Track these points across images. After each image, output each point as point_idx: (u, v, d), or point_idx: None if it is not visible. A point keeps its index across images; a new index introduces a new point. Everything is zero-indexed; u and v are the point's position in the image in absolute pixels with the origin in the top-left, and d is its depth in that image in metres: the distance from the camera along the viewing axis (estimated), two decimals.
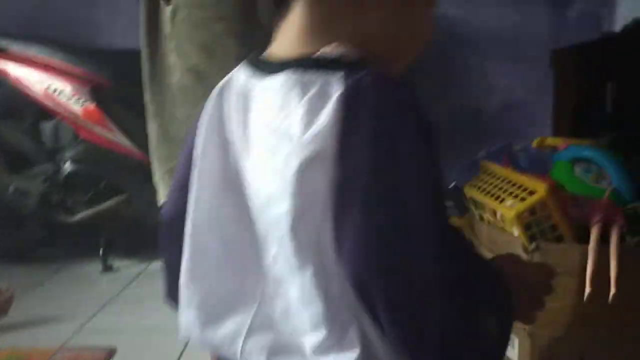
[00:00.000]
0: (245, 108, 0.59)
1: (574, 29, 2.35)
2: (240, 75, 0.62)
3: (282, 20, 0.59)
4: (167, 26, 1.17)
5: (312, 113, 0.52)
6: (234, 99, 0.60)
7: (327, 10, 0.58)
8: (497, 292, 0.58)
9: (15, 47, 2.07)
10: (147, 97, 1.21)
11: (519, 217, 1.10)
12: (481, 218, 1.29)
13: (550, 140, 1.54)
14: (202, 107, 0.64)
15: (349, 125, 0.51)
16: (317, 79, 0.54)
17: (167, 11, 1.14)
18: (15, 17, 2.27)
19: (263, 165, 0.56)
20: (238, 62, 0.64)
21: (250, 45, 0.89)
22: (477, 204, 1.29)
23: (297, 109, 0.53)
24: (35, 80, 2.02)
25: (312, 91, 0.53)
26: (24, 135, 2.08)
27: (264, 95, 0.58)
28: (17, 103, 2.17)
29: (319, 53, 0.56)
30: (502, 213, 1.15)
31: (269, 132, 0.56)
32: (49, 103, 1.97)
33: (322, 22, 0.58)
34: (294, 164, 0.52)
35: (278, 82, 0.56)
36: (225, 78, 0.63)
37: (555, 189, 1.12)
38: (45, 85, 2.00)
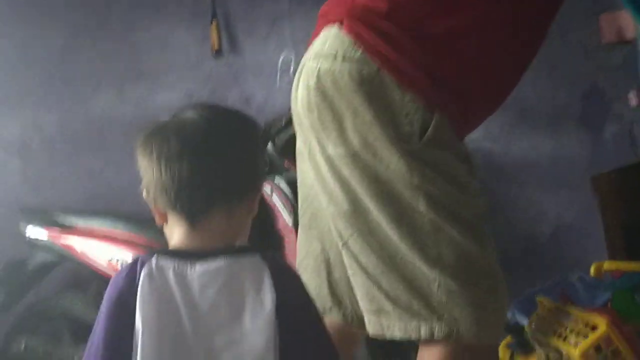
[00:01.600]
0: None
1: (611, 150, 2.38)
2: (160, 262, 0.80)
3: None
4: None
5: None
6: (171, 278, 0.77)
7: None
8: None
9: (80, 223, 2.23)
10: None
11: (585, 355, 1.07)
12: (548, 357, 1.25)
13: (607, 265, 1.52)
14: None
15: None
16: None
17: None
18: (78, 194, 2.47)
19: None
20: None
21: None
22: (541, 343, 1.26)
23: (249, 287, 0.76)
24: (99, 252, 2.15)
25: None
26: (88, 306, 2.17)
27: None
28: (82, 275, 2.29)
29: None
30: (567, 352, 1.12)
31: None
32: (112, 273, 2.07)
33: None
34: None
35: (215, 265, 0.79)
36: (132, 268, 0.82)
37: (618, 322, 1.09)
38: (109, 257, 2.12)
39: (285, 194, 2.14)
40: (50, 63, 2.52)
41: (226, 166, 0.85)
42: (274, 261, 0.80)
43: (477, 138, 2.42)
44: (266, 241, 2.20)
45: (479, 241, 1.15)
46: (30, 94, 2.54)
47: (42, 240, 2.23)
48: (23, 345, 2.22)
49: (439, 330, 1.05)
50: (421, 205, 1.09)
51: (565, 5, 1.32)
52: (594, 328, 1.11)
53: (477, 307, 1.06)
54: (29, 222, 2.27)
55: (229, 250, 0.80)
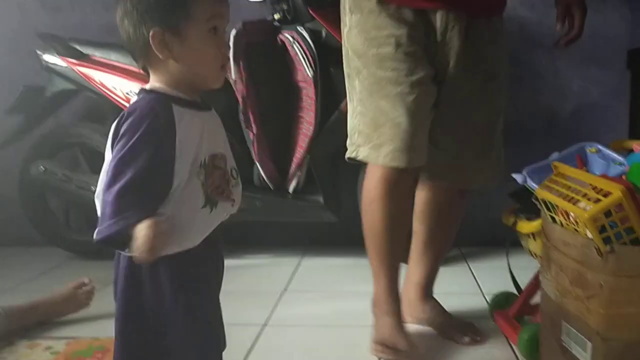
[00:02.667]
0: None
1: None
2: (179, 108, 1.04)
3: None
4: None
5: None
6: None
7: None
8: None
9: (98, 54, 2.20)
10: None
11: (594, 219, 1.07)
12: (553, 220, 1.27)
13: (627, 143, 1.49)
14: None
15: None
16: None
17: None
18: (95, 25, 2.41)
19: None
20: None
21: None
22: (549, 206, 1.27)
23: None
24: (117, 84, 2.14)
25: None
26: (105, 137, 2.19)
27: None
28: (100, 107, 2.30)
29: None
30: (575, 215, 1.13)
31: None
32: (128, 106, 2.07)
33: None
34: None
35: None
36: None
37: (632, 191, 1.09)
38: (127, 90, 2.12)
39: (307, 45, 2.08)
40: None
41: None
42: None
43: (513, 4, 2.29)
44: (284, 93, 2.18)
45: None
46: None
47: (61, 67, 2.21)
48: (42, 168, 2.29)
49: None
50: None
51: None
52: (606, 195, 1.10)
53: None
54: (46, 49, 2.24)
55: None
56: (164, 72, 1.02)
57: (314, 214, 2.18)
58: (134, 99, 1.02)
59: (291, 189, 2.19)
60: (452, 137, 1.56)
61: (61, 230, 2.43)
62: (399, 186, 1.49)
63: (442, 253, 1.74)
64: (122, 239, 0.93)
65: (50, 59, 2.23)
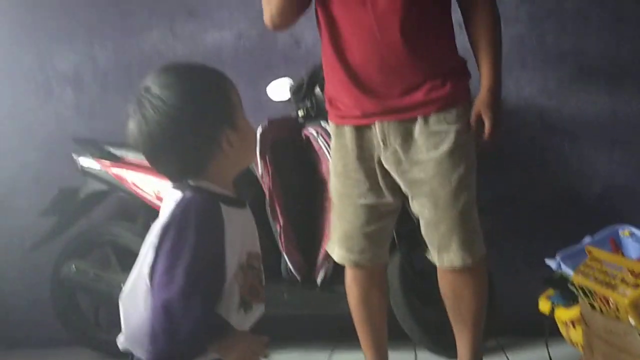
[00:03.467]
0: None
1: None
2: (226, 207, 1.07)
3: None
4: None
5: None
6: None
7: None
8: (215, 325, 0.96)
9: (131, 155, 2.28)
10: None
11: (635, 304, 1.04)
12: (592, 307, 1.23)
13: None
14: None
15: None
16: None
17: None
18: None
19: None
20: None
21: None
22: (587, 293, 1.24)
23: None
24: (148, 184, 2.20)
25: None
26: (136, 235, 2.24)
27: None
28: (131, 206, 2.36)
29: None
30: (615, 301, 1.10)
31: None
32: (159, 204, 2.12)
33: None
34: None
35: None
36: None
37: None
38: (157, 189, 2.18)
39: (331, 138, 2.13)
40: None
41: None
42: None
43: (531, 94, 2.35)
44: (309, 185, 2.21)
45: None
46: (84, 28, 2.57)
47: (95, 169, 2.29)
48: (74, 268, 2.32)
49: None
50: None
51: None
52: None
53: None
54: (82, 153, 2.34)
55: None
56: (212, 171, 1.02)
57: (343, 305, 2.14)
58: (170, 196, 1.01)
59: (319, 280, 2.17)
60: (423, 215, 1.69)
61: (90, 330, 2.42)
62: (358, 277, 1.78)
63: (473, 335, 1.75)
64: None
65: (85, 162, 2.32)
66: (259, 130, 2.09)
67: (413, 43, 1.57)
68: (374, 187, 1.68)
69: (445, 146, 1.63)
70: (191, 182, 1.01)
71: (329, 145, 2.13)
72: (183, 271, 0.92)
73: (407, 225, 1.92)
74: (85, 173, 2.33)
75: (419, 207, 1.68)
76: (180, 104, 0.97)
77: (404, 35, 1.55)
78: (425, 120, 1.63)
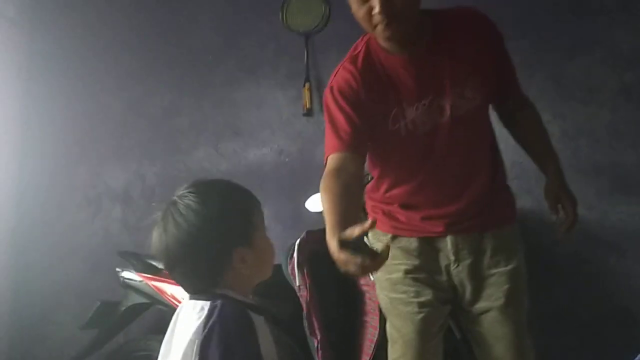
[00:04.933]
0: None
1: None
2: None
3: None
4: None
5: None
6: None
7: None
8: None
9: None
10: None
11: None
12: None
13: None
14: None
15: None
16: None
17: None
18: None
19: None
20: None
21: None
22: None
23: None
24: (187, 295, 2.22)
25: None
26: None
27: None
28: (169, 319, 2.36)
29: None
30: None
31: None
32: None
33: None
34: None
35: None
36: None
37: None
38: None
39: None
40: (155, 119, 2.73)
41: None
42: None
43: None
44: (348, 299, 2.19)
45: None
46: (135, 147, 2.74)
47: (136, 282, 2.33)
48: None
49: None
50: None
51: None
52: None
53: None
54: (125, 266, 2.39)
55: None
56: (230, 282, 1.08)
57: None
58: (191, 307, 1.04)
59: None
60: (485, 332, 1.65)
61: None
62: None
63: None
64: None
65: (128, 275, 2.36)
66: (297, 242, 2.11)
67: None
68: (435, 295, 1.64)
69: (516, 262, 1.65)
70: (218, 291, 1.05)
71: None
72: None
73: (451, 342, 1.85)
74: (127, 286, 2.36)
75: (481, 325, 1.66)
76: (200, 225, 1.06)
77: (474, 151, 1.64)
78: (498, 235, 1.65)
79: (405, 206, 1.67)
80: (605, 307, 2.28)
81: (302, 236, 2.14)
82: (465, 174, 1.63)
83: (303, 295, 2.11)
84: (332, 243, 1.29)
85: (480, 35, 1.60)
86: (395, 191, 1.67)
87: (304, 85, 2.55)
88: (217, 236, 1.06)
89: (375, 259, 1.21)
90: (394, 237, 1.68)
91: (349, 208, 1.44)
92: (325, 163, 1.57)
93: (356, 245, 1.21)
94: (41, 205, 2.77)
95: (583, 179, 2.33)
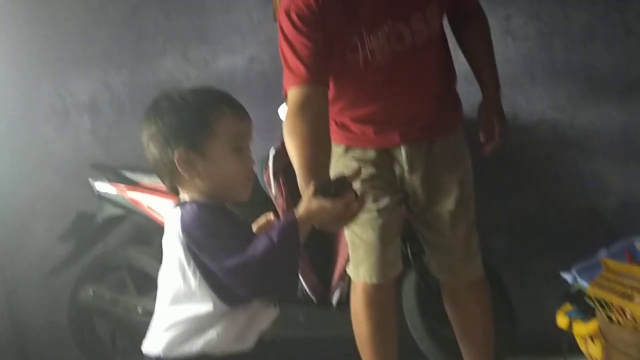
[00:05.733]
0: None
1: None
2: None
3: None
4: None
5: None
6: None
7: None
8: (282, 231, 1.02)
9: (146, 179, 2.31)
10: None
11: None
12: (610, 319, 1.22)
13: None
14: None
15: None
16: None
17: None
18: (142, 152, 2.55)
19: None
20: None
21: None
22: (603, 305, 1.23)
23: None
24: (164, 206, 2.23)
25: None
26: (152, 258, 2.26)
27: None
28: (147, 229, 2.38)
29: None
30: (631, 311, 1.09)
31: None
32: None
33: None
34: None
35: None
36: None
37: None
38: None
39: None
40: (119, 25, 2.60)
41: None
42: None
43: (542, 109, 2.35)
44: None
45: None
46: (100, 56, 2.63)
47: (111, 194, 2.33)
48: (91, 292, 2.34)
49: None
50: None
51: None
52: None
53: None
54: (98, 177, 2.38)
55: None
56: (194, 189, 1.08)
57: None
58: (173, 213, 1.06)
59: (335, 300, 2.16)
60: (437, 234, 1.74)
61: (108, 355, 2.43)
62: (378, 298, 1.74)
63: (484, 355, 1.81)
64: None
65: (102, 186, 2.35)
66: (272, 152, 2.11)
67: (441, 63, 1.68)
68: (392, 200, 1.69)
69: (464, 168, 1.72)
70: (187, 198, 1.08)
71: None
72: (229, 236, 1.01)
73: (420, 244, 1.92)
74: (102, 198, 2.36)
75: (432, 228, 1.73)
76: (157, 120, 1.09)
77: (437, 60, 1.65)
78: (446, 141, 1.69)
79: (358, 120, 1.67)
80: (573, 207, 2.36)
81: (277, 146, 2.14)
82: (421, 91, 1.64)
83: (279, 203, 2.13)
84: (307, 194, 1.17)
85: None
86: (349, 112, 1.67)
87: None
88: (164, 132, 1.07)
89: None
90: (347, 148, 1.69)
91: (319, 154, 1.38)
92: (285, 95, 1.48)
93: (337, 187, 1.07)
94: (7, 118, 2.69)
95: (556, 81, 2.34)
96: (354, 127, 1.68)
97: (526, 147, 2.35)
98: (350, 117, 1.67)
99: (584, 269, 1.49)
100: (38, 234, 2.65)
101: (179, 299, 1.05)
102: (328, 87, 1.50)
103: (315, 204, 1.03)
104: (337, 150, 1.67)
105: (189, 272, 1.03)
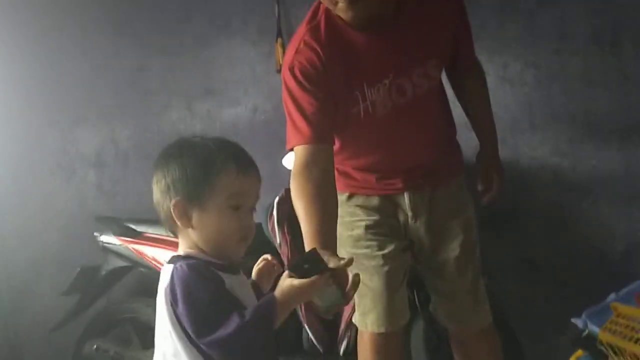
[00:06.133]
0: None
1: None
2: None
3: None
4: None
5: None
6: None
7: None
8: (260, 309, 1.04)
9: (151, 231, 2.31)
10: None
11: None
12: None
13: None
14: None
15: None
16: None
17: None
18: (148, 206, 2.56)
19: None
20: None
21: None
22: (615, 350, 1.21)
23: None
24: (168, 257, 2.22)
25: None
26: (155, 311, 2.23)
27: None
28: (151, 281, 2.36)
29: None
30: None
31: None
32: None
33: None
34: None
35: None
36: None
37: None
38: None
39: None
40: (125, 82, 2.66)
41: None
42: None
43: (544, 154, 2.37)
44: None
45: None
46: (106, 111, 2.68)
47: (115, 246, 2.33)
48: (95, 348, 2.31)
49: None
50: None
51: None
52: None
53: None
54: (103, 231, 2.38)
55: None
56: (188, 239, 1.09)
57: None
58: (166, 269, 1.06)
59: (342, 350, 2.13)
60: (443, 281, 1.73)
61: None
62: (386, 347, 1.70)
63: None
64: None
65: (107, 239, 2.35)
66: (276, 200, 2.12)
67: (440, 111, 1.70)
68: (397, 247, 1.68)
69: (468, 213, 1.73)
70: (181, 253, 1.09)
71: None
72: (208, 308, 1.01)
73: (427, 291, 1.90)
74: (106, 250, 2.36)
75: (438, 275, 1.73)
76: (158, 167, 1.12)
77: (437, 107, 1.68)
78: (448, 188, 1.70)
79: (360, 169, 1.68)
80: (579, 251, 2.35)
81: (280, 194, 2.15)
82: (422, 140, 1.65)
83: (284, 252, 2.12)
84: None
85: (443, 7, 1.58)
86: (351, 161, 1.68)
87: (276, 41, 2.50)
88: (167, 179, 1.09)
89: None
90: (350, 196, 1.70)
91: (325, 216, 1.38)
92: (290, 149, 1.49)
93: (309, 263, 1.06)
94: (13, 174, 2.72)
95: (556, 126, 2.36)
96: (356, 175, 1.68)
97: (529, 193, 2.35)
98: (352, 166, 1.68)
99: (594, 314, 1.47)
100: (42, 289, 2.64)
101: (170, 357, 1.05)
102: (333, 145, 1.50)
103: (287, 283, 1.04)
104: (340, 198, 1.66)
105: (175, 333, 1.04)
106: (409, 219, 1.68)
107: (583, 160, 2.36)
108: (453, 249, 1.69)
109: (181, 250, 1.11)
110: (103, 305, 2.42)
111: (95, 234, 2.39)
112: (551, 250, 2.36)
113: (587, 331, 1.46)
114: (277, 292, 1.03)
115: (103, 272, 2.36)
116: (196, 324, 1.00)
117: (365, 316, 1.72)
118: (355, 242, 1.70)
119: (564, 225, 2.37)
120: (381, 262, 1.66)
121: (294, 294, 1.02)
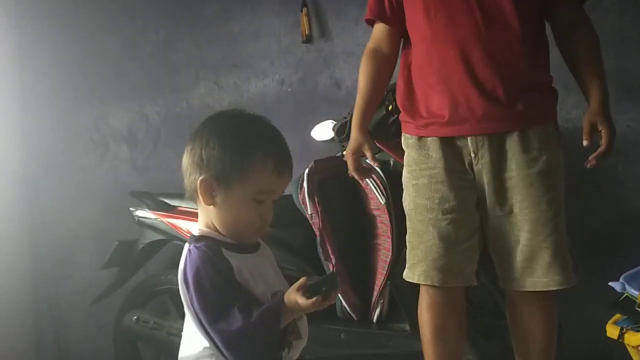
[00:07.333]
0: None
1: None
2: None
3: None
4: None
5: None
6: None
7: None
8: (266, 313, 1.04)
9: (184, 204, 2.35)
10: None
11: None
12: None
13: None
14: None
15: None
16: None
17: None
18: (180, 181, 2.60)
19: None
20: None
21: None
22: None
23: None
24: None
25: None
26: None
27: None
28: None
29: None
30: None
31: None
32: None
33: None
34: None
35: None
36: None
37: None
38: None
39: (377, 174, 2.15)
40: (153, 57, 2.68)
41: None
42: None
43: (577, 116, 2.31)
44: (358, 223, 2.22)
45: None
46: (135, 87, 2.71)
47: (151, 220, 2.37)
48: (135, 318, 2.37)
49: None
50: None
51: None
52: None
53: None
54: (138, 205, 2.43)
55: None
56: (206, 217, 1.10)
57: (400, 343, 2.11)
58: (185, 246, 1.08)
59: (375, 318, 2.15)
60: (506, 237, 1.65)
61: None
62: (437, 302, 1.68)
63: None
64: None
65: (142, 213, 2.40)
66: (306, 171, 2.12)
67: (524, 44, 1.61)
68: (463, 201, 1.64)
69: (541, 166, 1.63)
70: (196, 233, 1.11)
71: (375, 181, 2.14)
72: (216, 298, 1.03)
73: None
74: (142, 224, 2.41)
75: (510, 229, 1.65)
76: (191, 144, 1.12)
77: (516, 36, 1.60)
78: (523, 135, 1.62)
79: (429, 112, 1.67)
80: (615, 214, 2.31)
81: (310, 165, 2.15)
82: (494, 75, 1.59)
83: (315, 222, 2.14)
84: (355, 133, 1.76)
85: None
86: (422, 99, 1.69)
87: (301, 11, 2.48)
88: (203, 154, 1.08)
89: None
90: (419, 139, 1.69)
91: (373, 95, 1.76)
92: (367, 19, 1.80)
93: (327, 285, 1.06)
94: (48, 151, 2.78)
95: None
96: (426, 114, 1.67)
97: (563, 155, 2.31)
98: (423, 103, 1.68)
99: (632, 277, 1.45)
100: (81, 262, 2.72)
101: (191, 325, 1.10)
102: (401, 33, 1.74)
103: (293, 298, 1.05)
104: (409, 141, 1.73)
105: (188, 311, 1.09)
106: (473, 160, 1.63)
107: (618, 121, 2.28)
108: (517, 201, 1.62)
109: (198, 227, 1.13)
110: (141, 278, 2.48)
111: (131, 209, 2.43)
112: (587, 215, 2.33)
113: (625, 294, 1.45)
114: (288, 302, 1.05)
115: (140, 246, 2.41)
116: (202, 311, 1.04)
117: (413, 268, 1.70)
118: (417, 192, 1.69)
119: (600, 188, 2.32)
120: (440, 215, 1.64)
121: (298, 309, 1.05)
